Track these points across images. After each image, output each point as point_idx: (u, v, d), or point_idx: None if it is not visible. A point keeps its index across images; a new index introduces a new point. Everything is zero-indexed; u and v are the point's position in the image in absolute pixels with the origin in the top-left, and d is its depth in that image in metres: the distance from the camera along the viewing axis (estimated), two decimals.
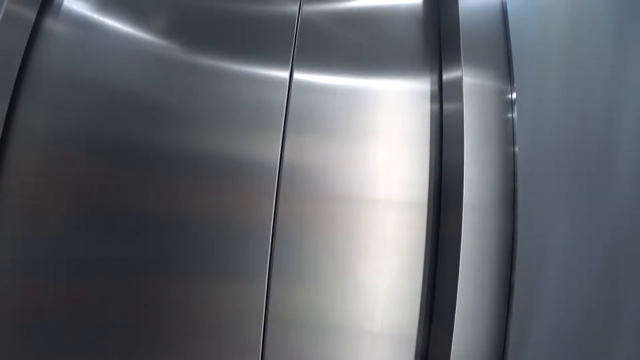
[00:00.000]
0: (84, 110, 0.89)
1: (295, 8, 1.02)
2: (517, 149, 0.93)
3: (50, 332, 0.84)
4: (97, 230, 0.86)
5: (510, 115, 0.97)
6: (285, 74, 0.96)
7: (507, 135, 0.95)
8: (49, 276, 0.85)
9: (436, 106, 1.03)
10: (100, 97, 0.90)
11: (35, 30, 0.95)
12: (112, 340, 0.85)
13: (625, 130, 0.70)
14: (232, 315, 0.87)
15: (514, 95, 0.96)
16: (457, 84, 0.97)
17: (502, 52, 1.00)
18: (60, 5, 0.98)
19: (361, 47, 1.03)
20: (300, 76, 0.97)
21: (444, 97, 1.03)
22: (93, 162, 0.88)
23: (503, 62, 1.00)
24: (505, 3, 1.03)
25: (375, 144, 0.98)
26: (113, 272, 0.86)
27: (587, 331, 0.70)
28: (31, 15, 0.94)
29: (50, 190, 0.87)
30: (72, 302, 0.85)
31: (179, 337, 0.86)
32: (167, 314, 0.86)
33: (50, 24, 0.96)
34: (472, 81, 0.96)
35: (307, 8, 1.03)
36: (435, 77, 1.06)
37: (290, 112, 0.94)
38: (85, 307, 0.85)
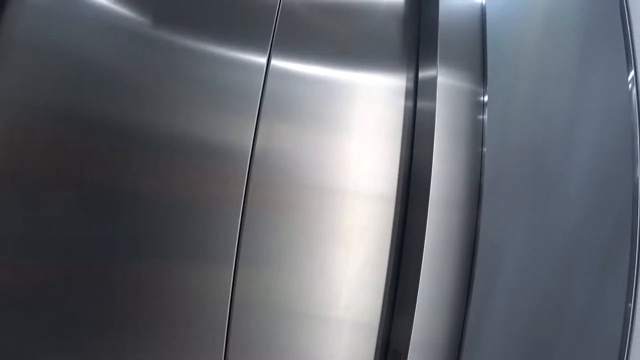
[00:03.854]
0: (54, 83, 0.86)
1: None
2: (485, 149, 0.97)
3: (15, 312, 0.81)
4: (64, 206, 0.84)
5: (481, 116, 1.00)
6: (262, 60, 0.96)
7: (476, 136, 0.98)
8: (14, 253, 0.82)
9: (410, 102, 1.05)
10: (72, 70, 0.87)
11: None
12: (78, 319, 0.82)
13: (584, 137, 0.74)
14: (198, 298, 0.87)
15: (486, 98, 0.99)
16: (432, 83, 0.99)
17: (478, 56, 1.03)
18: None
19: (341, 38, 1.03)
20: (277, 63, 0.97)
21: (419, 95, 1.06)
22: (61, 136, 0.85)
23: (478, 66, 1.03)
24: (485, 9, 1.06)
25: (348, 135, 0.99)
26: (80, 250, 0.83)
27: (539, 323, 0.74)
28: None
29: (15, 164, 0.83)
30: (38, 280, 0.82)
31: (144, 316, 0.85)
32: (133, 293, 0.85)
33: None
34: (446, 81, 0.99)
35: None
36: (412, 74, 1.08)
37: (265, 99, 0.94)
38: (50, 285, 0.82)
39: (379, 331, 0.96)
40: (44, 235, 0.82)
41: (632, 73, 0.67)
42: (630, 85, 0.67)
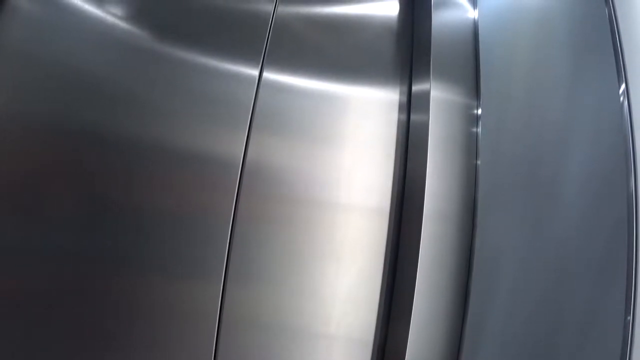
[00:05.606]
0: (42, 91, 0.85)
1: (270, 8, 1.02)
2: (479, 161, 0.96)
3: None
4: (47, 217, 0.82)
5: (474, 129, 1.00)
6: (254, 72, 0.96)
7: (470, 149, 0.98)
8: None
9: (403, 116, 1.05)
10: (62, 80, 0.87)
11: None
12: (59, 336, 0.80)
13: (577, 149, 0.74)
14: (186, 314, 0.85)
15: (480, 111, 1.00)
16: (425, 96, 1.00)
17: (470, 69, 1.04)
18: None
19: (334, 52, 1.04)
20: (269, 75, 0.97)
21: (412, 108, 1.06)
22: (46, 145, 0.84)
23: (471, 79, 1.04)
24: (477, 24, 1.07)
25: (341, 148, 0.98)
26: (62, 263, 0.81)
27: (536, 337, 0.73)
28: None
29: (2, 171, 0.82)
30: (17, 295, 0.80)
31: (130, 333, 0.82)
32: (119, 310, 0.82)
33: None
34: (439, 94, 0.99)
35: (282, 9, 1.04)
36: (405, 88, 1.08)
37: (256, 111, 0.94)
38: (30, 300, 0.80)
39: (373, 347, 0.93)
40: (27, 246, 0.80)
41: (623, 86, 0.68)
42: (621, 98, 0.68)
